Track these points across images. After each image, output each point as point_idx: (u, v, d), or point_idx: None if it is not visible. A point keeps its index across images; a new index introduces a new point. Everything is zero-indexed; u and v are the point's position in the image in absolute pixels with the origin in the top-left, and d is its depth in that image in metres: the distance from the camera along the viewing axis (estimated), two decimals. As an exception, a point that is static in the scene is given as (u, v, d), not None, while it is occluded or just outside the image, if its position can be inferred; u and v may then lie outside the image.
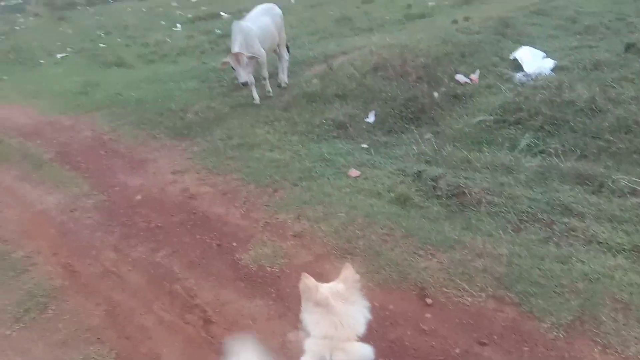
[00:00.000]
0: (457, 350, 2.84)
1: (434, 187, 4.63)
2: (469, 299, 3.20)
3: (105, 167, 5.88)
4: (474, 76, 7.15)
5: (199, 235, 4.29)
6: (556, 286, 3.14)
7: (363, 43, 9.07)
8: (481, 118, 6.24)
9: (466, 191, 4.43)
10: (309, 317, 1.95)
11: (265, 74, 7.22)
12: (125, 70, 11.06)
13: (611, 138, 5.24)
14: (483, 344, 2.85)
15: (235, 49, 6.25)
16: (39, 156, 6.46)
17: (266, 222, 4.42)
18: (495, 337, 2.89)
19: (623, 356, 2.64)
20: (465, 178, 4.71)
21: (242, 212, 4.62)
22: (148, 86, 8.95)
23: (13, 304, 3.74)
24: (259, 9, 7.33)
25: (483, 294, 3.20)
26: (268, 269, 3.81)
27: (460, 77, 7.11)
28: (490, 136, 5.90)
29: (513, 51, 7.85)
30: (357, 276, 2.04)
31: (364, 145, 6.02)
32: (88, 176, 5.65)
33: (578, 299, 3.00)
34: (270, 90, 7.42)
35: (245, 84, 6.45)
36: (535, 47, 7.77)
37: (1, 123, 8.04)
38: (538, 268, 3.33)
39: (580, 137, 5.45)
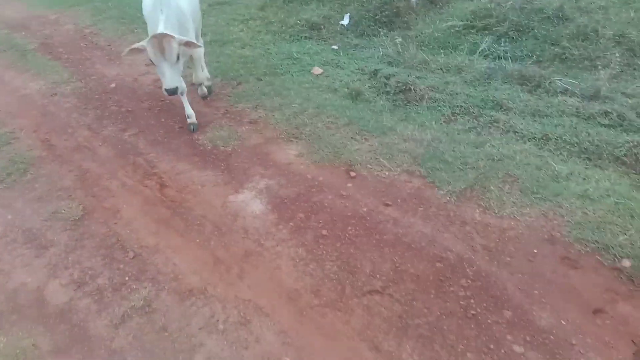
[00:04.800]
0: (365, 209, 3.42)
1: (385, 84, 5.01)
2: (387, 173, 3.74)
3: (85, 58, 6.28)
4: (455, -19, 7.18)
5: (163, 119, 4.79)
6: (462, 164, 3.65)
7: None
8: (451, 23, 6.45)
9: (412, 88, 4.82)
10: None
11: (206, 73, 5.04)
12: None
13: (568, 45, 5.50)
14: (387, 205, 3.42)
15: (160, 27, 3.68)
16: (24, 46, 6.84)
17: (226, 110, 4.90)
18: (399, 200, 3.45)
19: (498, 215, 3.19)
20: (417, 77, 5.08)
21: (206, 101, 5.07)
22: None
23: (-2, 169, 4.33)
24: None
25: (398, 169, 3.73)
26: (221, 148, 4.34)
27: (440, -18, 7.15)
28: (457, 41, 6.15)
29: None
30: None
31: (334, 47, 6.31)
32: (68, 65, 6.07)
33: (476, 174, 3.52)
34: (206, 92, 5.11)
35: (173, 92, 3.81)
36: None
37: (-12, 16, 8.32)
38: (452, 150, 3.82)
39: (539, 44, 5.71)
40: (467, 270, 2.84)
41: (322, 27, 6.69)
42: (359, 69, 5.48)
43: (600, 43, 5.42)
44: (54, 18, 7.85)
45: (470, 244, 3.02)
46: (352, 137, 4.24)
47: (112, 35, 6.82)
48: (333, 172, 3.88)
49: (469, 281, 2.77)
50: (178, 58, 3.74)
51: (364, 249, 3.09)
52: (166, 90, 3.75)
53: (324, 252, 3.12)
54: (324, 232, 3.27)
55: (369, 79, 5.23)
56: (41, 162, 4.42)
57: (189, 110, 4.56)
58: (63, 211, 3.80)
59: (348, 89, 5.03)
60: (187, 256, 3.25)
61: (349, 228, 3.26)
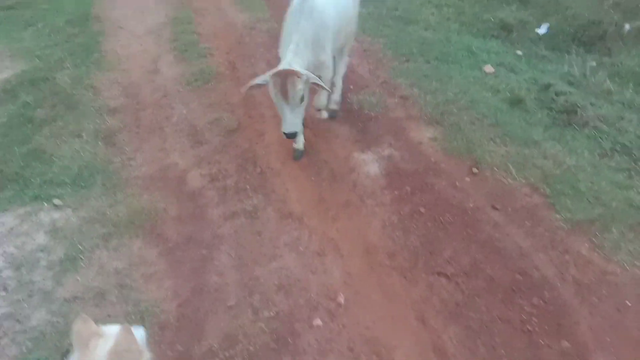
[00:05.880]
0: (471, 205, 3.49)
1: (552, 100, 4.81)
2: (510, 180, 3.72)
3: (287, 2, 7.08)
4: (687, 18, 6.34)
5: (329, 72, 5.29)
6: (593, 198, 3.46)
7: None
8: (661, 61, 5.78)
9: (579, 111, 4.55)
10: None
11: (337, 97, 4.51)
12: None
13: None
14: (495, 209, 3.45)
15: (288, 56, 3.22)
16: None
17: (384, 80, 5.21)
18: (509, 209, 3.45)
19: (606, 258, 3.01)
20: (591, 104, 4.76)
21: (370, 68, 5.45)
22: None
23: (189, 73, 5.34)
24: None
25: (524, 181, 3.68)
26: (366, 111, 4.69)
27: (668, 14, 6.37)
28: (659, 82, 5.52)
29: None
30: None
31: (519, 52, 6.15)
32: (271, 6, 6.94)
33: (603, 211, 3.31)
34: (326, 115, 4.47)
35: (292, 137, 3.46)
36: None
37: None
38: (590, 182, 3.62)
39: None
40: (545, 292, 2.79)
41: (514, 30, 6.52)
42: (532, 79, 5.30)
43: None
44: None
45: (562, 271, 2.93)
46: (491, 139, 4.23)
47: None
48: (457, 163, 3.97)
49: (542, 302, 2.73)
50: (302, 99, 3.25)
51: (452, 237, 3.20)
52: (284, 134, 3.36)
53: (414, 225, 3.31)
54: (422, 209, 3.44)
55: (538, 91, 5.04)
56: (223, 78, 5.28)
57: (300, 143, 4.00)
58: (224, 120, 4.56)
59: (511, 93, 4.94)
60: (299, 187, 3.72)
61: (447, 215, 3.38)
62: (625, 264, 2.96)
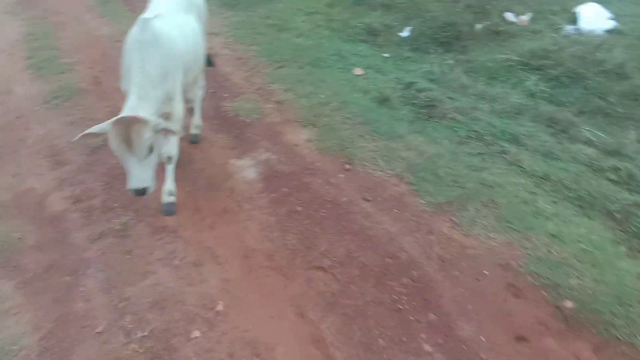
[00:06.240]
0: (344, 199, 3.64)
1: (415, 97, 5.18)
2: (379, 173, 3.94)
3: (155, 16, 6.88)
4: (525, 18, 7.21)
5: (201, 81, 5.22)
6: (452, 181, 3.79)
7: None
8: (507, 57, 6.48)
9: (438, 105, 4.96)
10: None
11: (197, 120, 4.32)
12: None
13: (614, 102, 5.42)
14: (366, 200, 3.62)
15: (132, 103, 2.79)
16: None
17: (260, 86, 5.27)
18: (379, 199, 3.65)
19: (465, 233, 3.30)
20: (449, 98, 5.21)
21: (245, 75, 5.48)
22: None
23: (47, 91, 4.97)
24: None
25: (391, 172, 3.92)
26: (241, 117, 4.71)
27: (509, 15, 7.21)
28: (507, 75, 6.18)
29: (579, 4, 7.68)
30: None
31: (386, 55, 6.54)
32: (137, 17, 6.68)
33: (460, 192, 3.64)
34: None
35: (141, 194, 2.81)
36: (604, 6, 7.56)
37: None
38: (449, 168, 3.95)
39: (587, 95, 5.64)
40: (413, 271, 2.99)
41: (380, 34, 6.93)
42: (397, 78, 5.68)
43: (651, 106, 5.30)
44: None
45: (427, 251, 3.16)
46: (361, 136, 4.46)
47: None
48: (332, 161, 4.12)
49: (410, 281, 2.92)
50: (151, 150, 2.73)
51: (327, 231, 3.31)
52: (131, 190, 2.77)
53: (291, 225, 3.37)
54: (299, 208, 3.52)
55: (403, 89, 5.41)
56: (86, 93, 4.98)
57: (168, 185, 3.50)
58: (88, 138, 4.27)
59: (378, 93, 5.24)
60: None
61: (322, 210, 3.49)
62: (481, 237, 3.27)
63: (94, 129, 2.70)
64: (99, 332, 2.62)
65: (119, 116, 2.64)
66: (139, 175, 2.72)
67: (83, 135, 2.72)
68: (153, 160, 2.82)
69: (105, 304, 2.79)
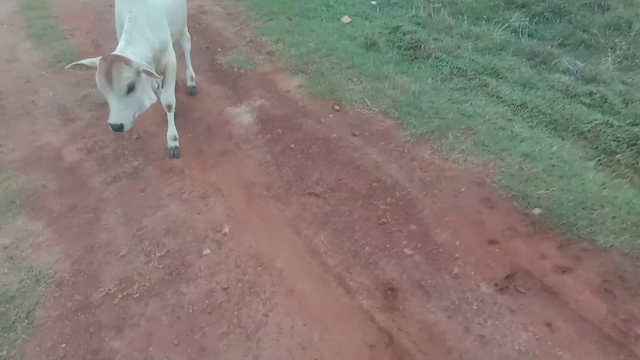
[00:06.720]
0: (334, 135, 3.97)
1: (400, 40, 5.42)
2: (366, 111, 4.25)
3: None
4: (510, -43, 7.28)
5: (195, 38, 5.47)
6: (434, 114, 4.10)
7: None
8: (493, -4, 6.63)
9: (423, 46, 5.22)
10: None
11: (191, 72, 4.71)
12: None
13: (597, 33, 5.64)
14: (355, 135, 3.95)
15: (120, 46, 3.05)
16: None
17: (250, 39, 5.53)
18: (366, 134, 3.97)
19: (444, 158, 3.64)
20: (433, 38, 5.45)
21: (236, 29, 5.73)
22: None
23: (50, 56, 5.25)
24: None
25: (377, 109, 4.23)
26: (235, 69, 4.99)
27: (494, -45, 7.28)
28: (492, 14, 6.39)
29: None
30: None
31: (373, 2, 6.73)
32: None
33: (441, 122, 3.95)
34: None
35: (118, 129, 3.03)
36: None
37: None
38: (431, 102, 4.25)
39: (570, 28, 5.86)
40: (397, 192, 3.35)
41: (367, -18, 7.06)
42: (384, 24, 5.90)
43: (630, 35, 5.52)
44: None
45: (410, 175, 3.51)
46: (349, 79, 4.75)
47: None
48: (322, 104, 4.43)
49: (394, 200, 3.28)
50: (131, 89, 2.96)
51: (319, 163, 3.66)
52: (110, 125, 3.01)
53: (286, 160, 3.72)
54: (292, 145, 3.86)
55: (389, 33, 5.64)
56: (87, 56, 5.22)
57: (171, 131, 3.87)
58: (93, 96, 4.61)
59: (365, 38, 5.49)
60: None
61: (314, 146, 3.83)
62: (459, 160, 3.61)
63: (85, 61, 2.94)
64: (122, 255, 3.02)
65: (105, 55, 2.90)
66: (117, 111, 2.98)
67: (75, 64, 2.94)
68: (134, 101, 3.07)
69: (125, 234, 3.18)
